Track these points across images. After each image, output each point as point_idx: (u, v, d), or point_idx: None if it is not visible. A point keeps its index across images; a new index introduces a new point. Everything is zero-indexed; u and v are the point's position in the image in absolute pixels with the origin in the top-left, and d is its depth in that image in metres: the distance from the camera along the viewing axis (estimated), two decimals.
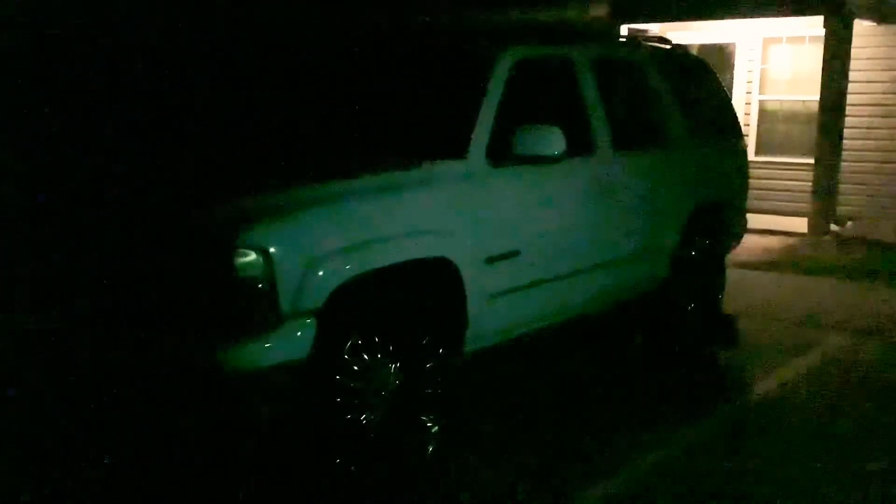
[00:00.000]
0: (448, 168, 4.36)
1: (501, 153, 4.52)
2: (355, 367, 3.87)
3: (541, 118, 4.65)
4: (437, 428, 4.24)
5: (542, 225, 4.78)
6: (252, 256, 3.50)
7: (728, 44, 11.98)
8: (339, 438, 3.84)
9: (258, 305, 3.53)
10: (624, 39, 7.12)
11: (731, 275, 6.80)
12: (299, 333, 3.60)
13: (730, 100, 6.94)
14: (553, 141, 4.49)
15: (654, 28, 11.76)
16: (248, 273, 3.50)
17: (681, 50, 6.69)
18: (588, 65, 5.31)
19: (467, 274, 4.29)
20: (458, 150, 4.45)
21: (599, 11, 11.76)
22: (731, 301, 6.76)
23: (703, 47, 11.88)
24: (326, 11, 10.60)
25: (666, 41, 6.57)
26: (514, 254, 4.58)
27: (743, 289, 7.42)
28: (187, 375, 3.57)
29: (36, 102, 8.15)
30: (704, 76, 6.71)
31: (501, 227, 4.52)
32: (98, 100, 8.60)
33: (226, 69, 9.15)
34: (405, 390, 4.12)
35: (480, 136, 4.50)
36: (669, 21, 11.53)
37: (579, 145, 5.08)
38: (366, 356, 3.93)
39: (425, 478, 4.14)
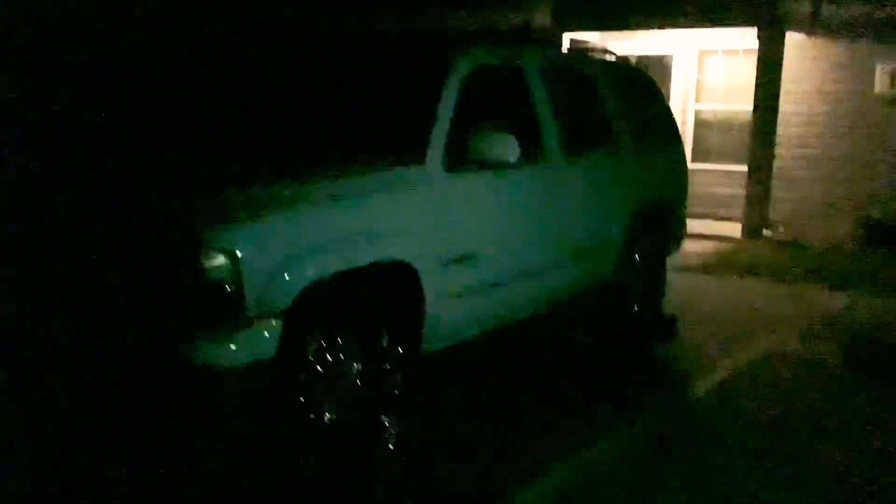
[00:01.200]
0: (406, 173, 4.49)
1: (458, 158, 4.67)
2: (318, 367, 3.98)
3: (495, 124, 4.81)
4: (395, 427, 4.36)
5: (496, 228, 4.94)
6: (220, 259, 3.58)
7: (666, 55, 12.35)
8: (301, 436, 3.94)
9: (226, 307, 3.61)
10: (569, 50, 7.33)
11: (669, 277, 7.08)
12: (265, 334, 3.68)
13: (669, 108, 7.21)
14: (508, 148, 4.66)
15: (593, 37, 12.06)
16: (216, 275, 3.58)
17: (624, 61, 6.94)
18: (539, 73, 5.49)
19: (425, 276, 4.42)
20: (416, 155, 4.58)
21: (541, 20, 12.02)
22: (670, 302, 7.02)
23: (642, 58, 12.22)
24: (289, 15, 10.64)
25: (610, 52, 6.81)
26: (470, 257, 4.73)
27: (680, 290, 7.68)
28: (157, 372, 3.64)
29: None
30: (646, 86, 6.97)
31: (458, 231, 4.67)
32: (68, 100, 8.52)
33: (188, 70, 9.13)
34: (366, 390, 4.24)
35: (437, 142, 4.63)
36: (610, 31, 11.83)
37: (531, 151, 5.27)
38: (328, 356, 4.04)
39: (383, 475, 4.25)
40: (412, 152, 4.58)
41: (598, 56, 6.71)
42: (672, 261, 7.36)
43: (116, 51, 9.16)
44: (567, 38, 11.96)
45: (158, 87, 9.03)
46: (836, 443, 4.70)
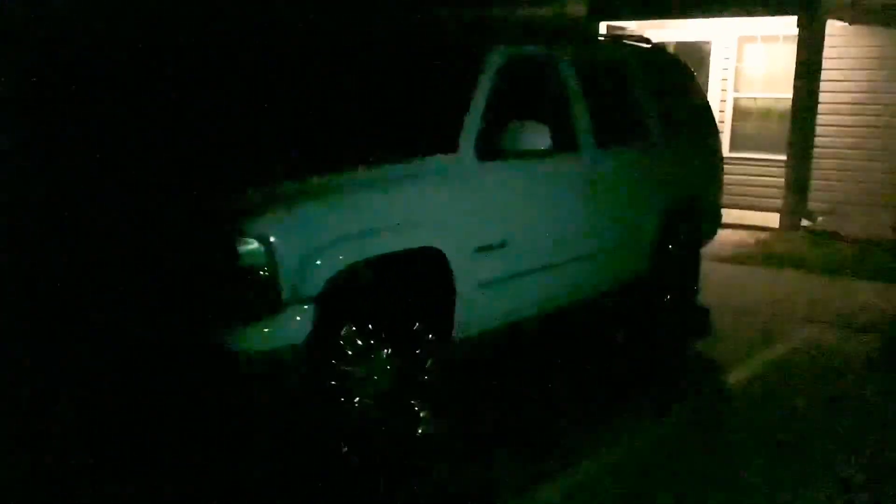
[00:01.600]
0: (439, 162, 4.53)
1: (490, 148, 4.70)
2: (349, 352, 4.04)
3: (528, 115, 4.82)
4: (425, 413, 4.41)
5: (528, 217, 4.96)
6: (254, 245, 3.66)
7: (704, 42, 12.21)
8: (332, 419, 4.01)
9: (260, 292, 3.69)
10: (605, 39, 7.30)
11: (705, 268, 7.04)
12: (298, 319, 3.76)
13: (706, 98, 7.16)
14: (539, 137, 4.67)
15: (631, 26, 11.97)
16: (251, 261, 3.66)
17: (660, 49, 6.89)
18: (573, 64, 5.49)
19: (456, 263, 4.46)
20: (448, 144, 4.61)
21: (577, 9, 11.95)
22: (705, 294, 6.99)
23: (679, 45, 12.11)
24: (324, 9, 10.71)
25: (646, 40, 6.76)
26: (501, 245, 4.76)
27: (717, 282, 7.65)
28: (194, 357, 3.72)
29: (43, 97, 8.22)
30: (682, 75, 6.92)
31: (489, 219, 4.70)
32: (106, 95, 8.67)
33: (227, 67, 9.25)
34: (397, 376, 4.29)
35: (469, 132, 4.67)
36: (647, 19, 11.73)
37: (564, 142, 5.29)
38: (359, 342, 4.10)
39: (412, 461, 4.30)
40: (445, 142, 4.62)
41: (633, 44, 6.66)
42: (709, 251, 7.33)
43: (155, 44, 9.28)
44: (604, 27, 11.88)
45: (200, 83, 9.15)
46: (872, 437, 4.66)
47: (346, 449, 4.06)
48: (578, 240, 5.41)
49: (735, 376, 5.75)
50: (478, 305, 4.68)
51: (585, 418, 4.88)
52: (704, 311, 6.96)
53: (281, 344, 3.73)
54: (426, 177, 4.44)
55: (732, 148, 11.89)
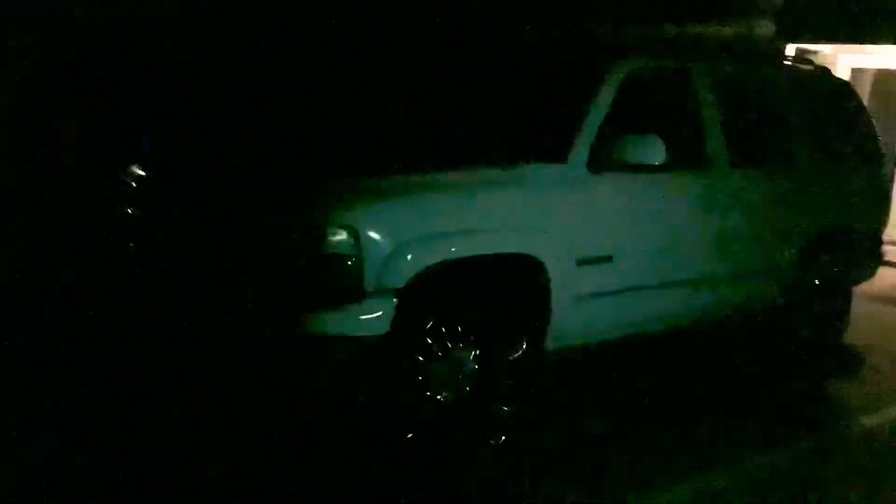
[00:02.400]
0: (545, 170, 4.55)
1: (603, 160, 4.66)
2: (434, 349, 4.15)
3: (651, 129, 4.74)
4: (507, 419, 4.42)
5: (638, 234, 4.87)
6: (342, 235, 3.85)
7: None
8: (412, 413, 4.13)
9: (344, 280, 3.87)
10: (758, 57, 7.00)
11: (867, 308, 6.59)
12: (380, 310, 3.91)
13: (873, 125, 6.70)
14: (652, 150, 4.59)
15: (825, 49, 11.36)
16: (338, 250, 3.85)
17: (821, 73, 6.54)
18: (707, 80, 5.34)
19: (555, 273, 4.46)
20: (559, 154, 4.62)
21: (765, 30, 11.47)
22: (861, 335, 6.54)
23: (880, 72, 11.36)
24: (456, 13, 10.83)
25: (807, 61, 6.45)
26: (605, 259, 4.70)
27: (878, 324, 7.13)
28: (279, 338, 3.96)
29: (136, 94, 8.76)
30: (845, 99, 6.53)
31: (595, 232, 4.66)
32: (206, 94, 9.14)
33: (346, 66, 9.54)
34: (482, 378, 4.35)
35: (582, 143, 4.66)
36: (836, 43, 11.08)
37: (692, 158, 5.16)
38: (445, 340, 4.19)
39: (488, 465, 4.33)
40: (556, 150, 4.63)
41: (789, 64, 6.37)
42: (875, 290, 6.85)
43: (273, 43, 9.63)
44: (793, 49, 11.34)
45: (315, 76, 9.45)
46: None
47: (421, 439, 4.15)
48: (696, 261, 5.23)
49: (867, 421, 5.36)
50: (575, 318, 4.65)
51: (684, 443, 4.72)
52: (851, 353, 6.52)
53: (361, 332, 3.89)
54: (530, 183, 4.47)
55: None
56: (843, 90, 6.61)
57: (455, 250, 4.12)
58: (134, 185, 4.81)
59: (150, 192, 4.75)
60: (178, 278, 4.33)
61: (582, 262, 4.60)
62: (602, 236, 4.70)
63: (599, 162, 4.66)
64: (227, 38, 9.45)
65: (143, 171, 4.85)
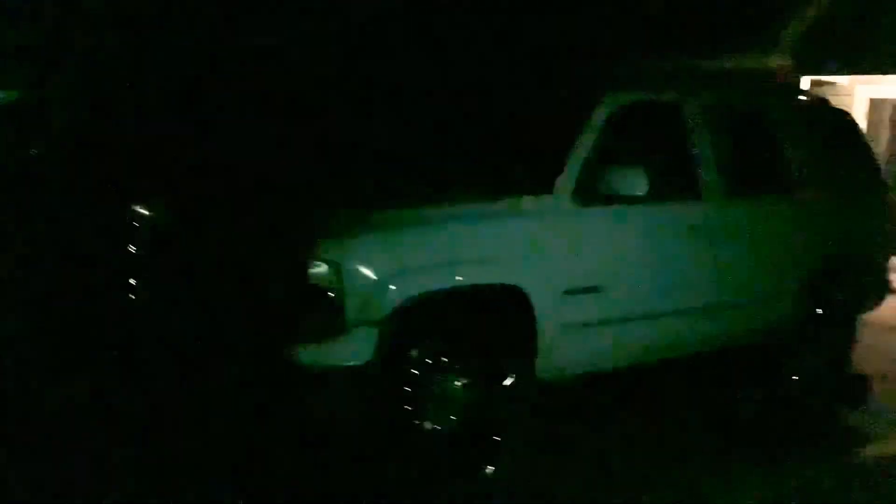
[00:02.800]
0: (531, 203, 4.64)
1: (590, 192, 4.75)
2: (419, 379, 4.23)
3: (641, 162, 4.81)
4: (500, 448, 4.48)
5: (626, 264, 4.92)
6: (324, 268, 3.97)
7: None
8: (400, 442, 4.20)
9: (326, 312, 3.98)
10: (750, 86, 7.02)
11: (877, 337, 6.54)
12: (362, 341, 4.01)
13: (872, 155, 6.69)
14: (634, 182, 4.66)
15: (842, 80, 11.37)
16: (320, 282, 3.97)
17: (818, 102, 6.58)
18: (698, 111, 5.40)
19: (540, 303, 4.53)
20: (546, 185, 4.72)
21: (781, 61, 11.52)
22: (876, 363, 6.50)
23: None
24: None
25: (805, 93, 6.50)
26: (594, 289, 4.76)
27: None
28: (261, 370, 4.08)
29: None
30: (846, 129, 6.55)
31: (582, 263, 4.72)
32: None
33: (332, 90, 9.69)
34: (473, 408, 4.41)
35: (569, 175, 4.75)
36: (852, 74, 11.08)
37: (684, 189, 5.23)
38: (433, 370, 4.28)
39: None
40: (543, 183, 4.72)
41: (784, 93, 6.42)
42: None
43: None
44: (807, 81, 11.37)
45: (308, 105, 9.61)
46: None
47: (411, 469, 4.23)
48: (690, 291, 5.26)
49: (873, 449, 5.31)
50: (564, 348, 4.70)
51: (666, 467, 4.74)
52: (861, 379, 6.45)
53: (343, 363, 4.00)
54: (515, 215, 4.57)
55: None
56: (841, 120, 6.62)
57: (439, 283, 4.22)
58: (136, 224, 5.01)
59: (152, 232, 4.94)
60: (179, 311, 4.50)
61: (569, 293, 4.66)
62: (589, 267, 4.76)
63: (587, 194, 4.74)
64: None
65: (147, 210, 5.05)
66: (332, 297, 3.98)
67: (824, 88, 11.55)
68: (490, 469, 4.44)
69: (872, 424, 5.87)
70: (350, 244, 4.06)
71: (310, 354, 3.98)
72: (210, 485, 4.26)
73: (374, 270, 4.05)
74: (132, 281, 4.85)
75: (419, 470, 4.27)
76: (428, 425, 4.30)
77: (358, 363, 4.02)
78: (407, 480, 4.24)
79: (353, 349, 4.01)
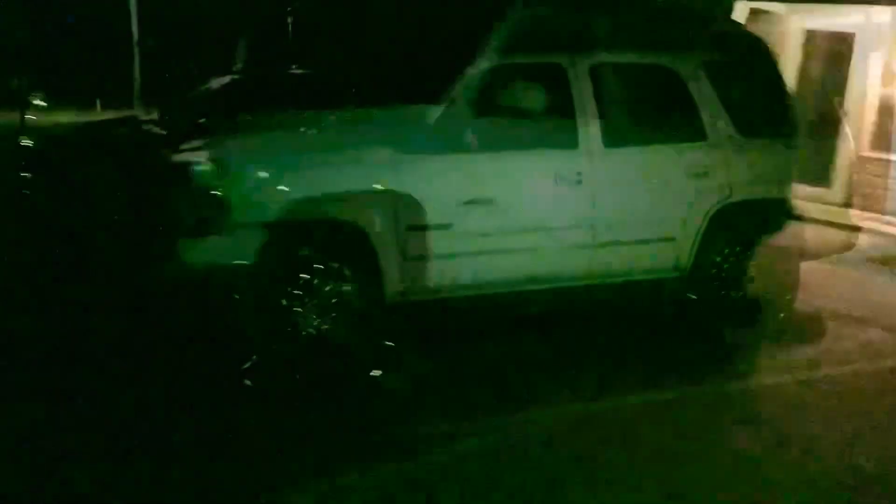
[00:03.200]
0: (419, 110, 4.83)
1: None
2: (305, 280, 4.42)
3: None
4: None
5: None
6: (210, 167, 4.16)
7: (850, 33, 11.35)
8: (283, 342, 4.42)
9: (212, 211, 4.14)
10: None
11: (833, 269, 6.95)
12: (247, 241, 4.18)
13: (785, 89, 6.69)
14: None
15: (779, 9, 11.37)
16: (207, 181, 4.14)
17: (736, 35, 6.54)
18: (584, 70, 5.42)
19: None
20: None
21: None
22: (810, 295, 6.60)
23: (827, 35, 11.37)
24: None
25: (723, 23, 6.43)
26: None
27: (824, 284, 7.17)
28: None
29: None
30: (758, 58, 6.51)
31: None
32: None
33: None
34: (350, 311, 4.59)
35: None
36: (796, 2, 11.05)
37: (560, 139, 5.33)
38: (316, 272, 4.46)
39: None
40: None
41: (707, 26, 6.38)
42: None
43: None
44: (744, 8, 11.38)
45: None
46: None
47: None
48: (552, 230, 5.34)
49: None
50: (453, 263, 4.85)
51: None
52: (755, 305, 6.54)
53: (227, 261, 4.18)
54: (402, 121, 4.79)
55: (874, 147, 11.09)
56: (759, 54, 6.56)
57: (322, 187, 4.37)
58: None
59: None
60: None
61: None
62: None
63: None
64: None
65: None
66: (219, 195, 4.11)
67: (760, 17, 11.57)
68: (378, 372, 4.63)
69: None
70: (236, 145, 4.26)
71: (195, 251, 4.16)
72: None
73: (262, 173, 4.18)
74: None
75: (306, 373, 4.46)
76: (314, 329, 4.48)
77: (245, 262, 4.17)
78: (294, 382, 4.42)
79: (238, 248, 4.17)
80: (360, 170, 4.52)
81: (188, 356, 4.66)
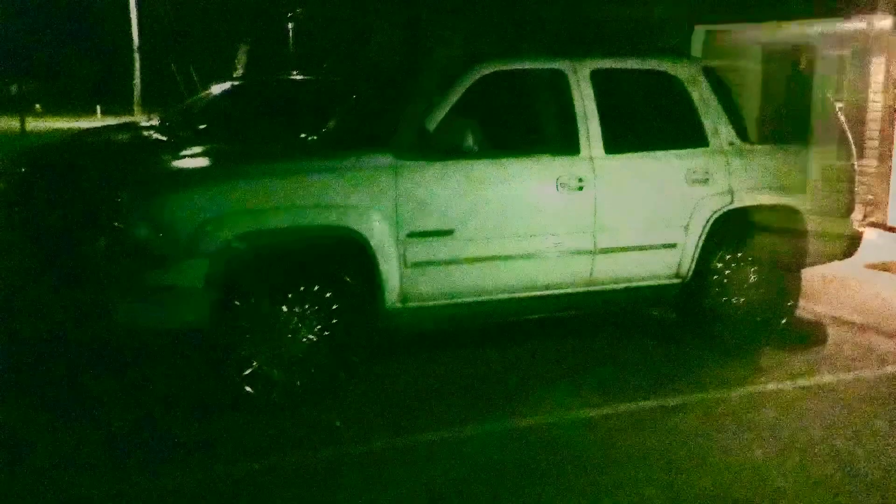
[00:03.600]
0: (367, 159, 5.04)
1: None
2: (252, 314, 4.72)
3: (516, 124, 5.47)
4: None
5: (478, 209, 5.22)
6: (144, 224, 4.49)
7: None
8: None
9: (151, 266, 4.46)
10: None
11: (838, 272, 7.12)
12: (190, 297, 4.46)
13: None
14: (462, 135, 5.04)
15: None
16: (142, 237, 4.48)
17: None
18: (583, 78, 5.57)
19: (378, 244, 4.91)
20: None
21: (665, 12, 11.58)
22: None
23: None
24: None
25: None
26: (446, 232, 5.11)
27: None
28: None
29: None
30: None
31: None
32: None
33: None
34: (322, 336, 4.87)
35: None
36: (746, 22, 11.08)
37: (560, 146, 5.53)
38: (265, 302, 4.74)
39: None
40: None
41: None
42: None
43: None
44: (700, 31, 11.48)
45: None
46: None
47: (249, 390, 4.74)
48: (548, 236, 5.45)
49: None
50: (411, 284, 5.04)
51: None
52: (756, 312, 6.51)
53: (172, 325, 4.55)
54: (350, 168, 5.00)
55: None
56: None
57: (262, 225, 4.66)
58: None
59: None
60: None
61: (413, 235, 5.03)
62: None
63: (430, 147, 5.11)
64: None
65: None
66: (156, 254, 4.45)
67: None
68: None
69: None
70: (169, 197, 4.55)
71: (137, 315, 4.54)
72: None
73: (199, 217, 4.49)
74: None
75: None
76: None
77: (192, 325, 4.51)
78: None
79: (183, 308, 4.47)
80: None
81: None
